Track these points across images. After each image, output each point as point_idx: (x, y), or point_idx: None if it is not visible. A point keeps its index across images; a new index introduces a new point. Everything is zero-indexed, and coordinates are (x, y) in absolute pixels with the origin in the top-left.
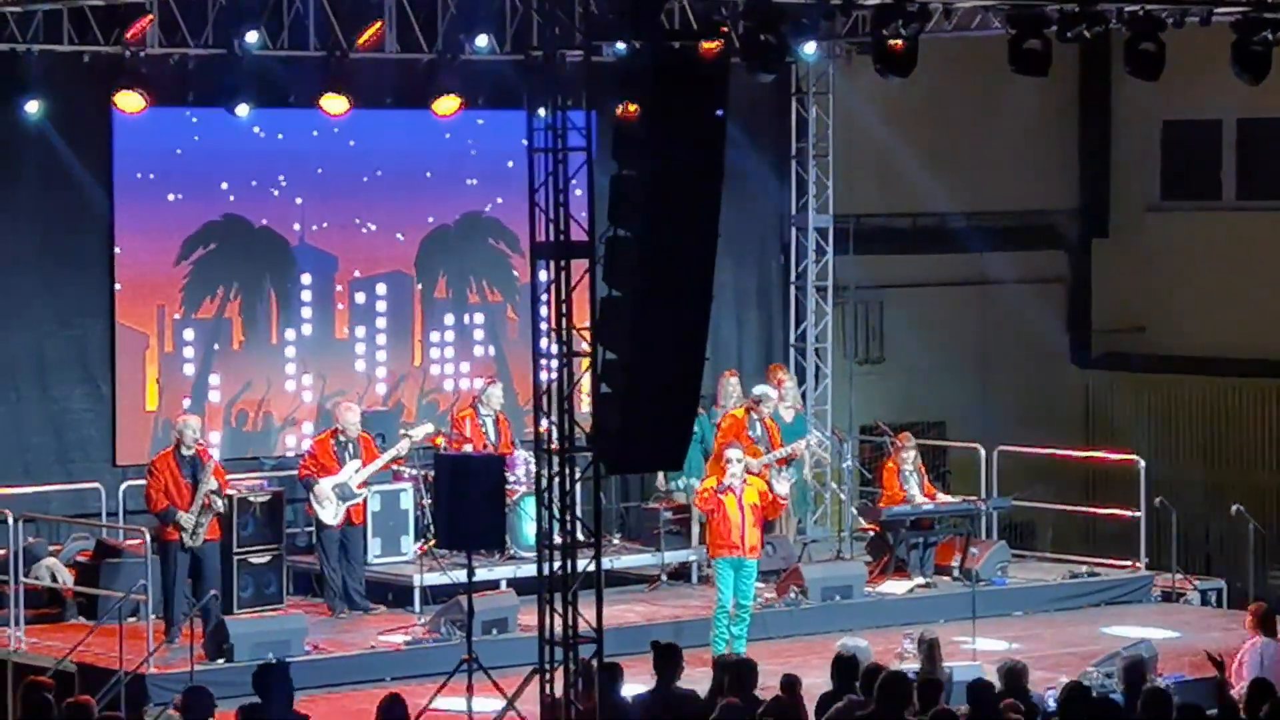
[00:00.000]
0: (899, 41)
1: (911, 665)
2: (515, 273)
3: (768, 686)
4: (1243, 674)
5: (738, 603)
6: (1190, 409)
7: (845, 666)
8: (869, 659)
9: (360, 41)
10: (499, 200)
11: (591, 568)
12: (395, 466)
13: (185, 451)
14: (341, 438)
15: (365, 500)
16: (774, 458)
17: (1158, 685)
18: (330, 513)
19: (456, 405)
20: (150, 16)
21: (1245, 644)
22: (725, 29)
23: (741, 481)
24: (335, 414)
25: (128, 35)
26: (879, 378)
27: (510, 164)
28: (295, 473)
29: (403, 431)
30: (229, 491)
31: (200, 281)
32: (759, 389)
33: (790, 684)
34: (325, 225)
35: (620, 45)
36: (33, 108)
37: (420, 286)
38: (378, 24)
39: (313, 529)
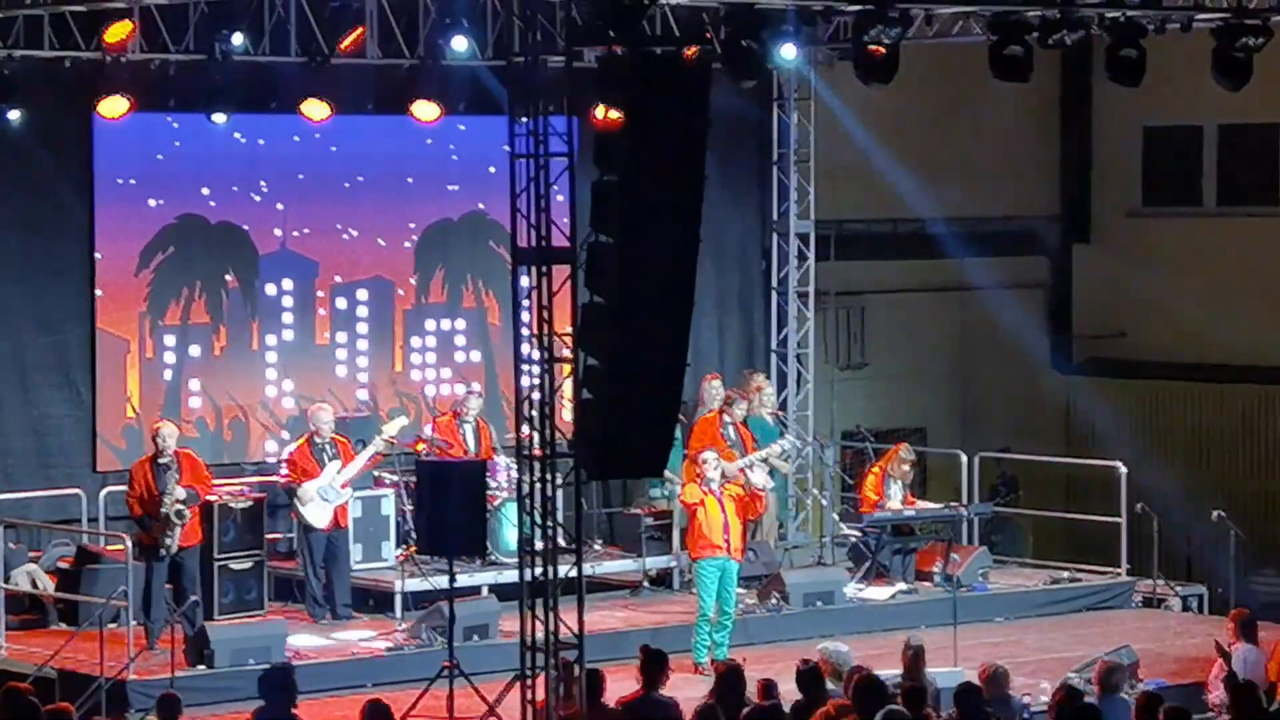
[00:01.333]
0: (880, 47)
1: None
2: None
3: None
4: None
5: (720, 609)
6: (1171, 415)
7: (810, 677)
8: (850, 664)
9: (342, 47)
10: (480, 206)
11: (573, 574)
12: (376, 471)
13: (161, 460)
14: (318, 440)
15: (347, 502)
16: (750, 460)
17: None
18: (316, 515)
19: (437, 412)
20: (134, 26)
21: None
22: (708, 35)
23: (720, 483)
24: (308, 416)
25: (107, 41)
26: (860, 383)
27: (492, 170)
28: (276, 478)
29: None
30: (209, 497)
31: (171, 286)
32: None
33: (768, 688)
34: (306, 231)
35: (602, 50)
36: (13, 114)
37: (415, 280)
38: (359, 29)
39: (294, 535)
